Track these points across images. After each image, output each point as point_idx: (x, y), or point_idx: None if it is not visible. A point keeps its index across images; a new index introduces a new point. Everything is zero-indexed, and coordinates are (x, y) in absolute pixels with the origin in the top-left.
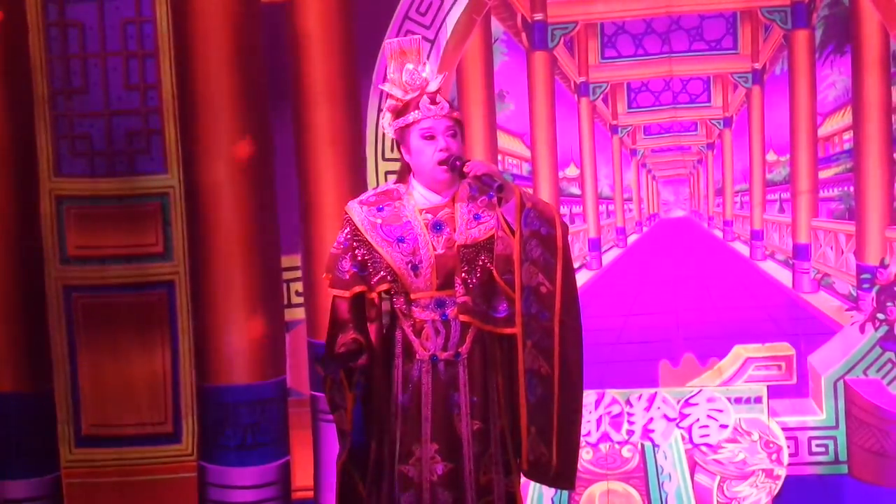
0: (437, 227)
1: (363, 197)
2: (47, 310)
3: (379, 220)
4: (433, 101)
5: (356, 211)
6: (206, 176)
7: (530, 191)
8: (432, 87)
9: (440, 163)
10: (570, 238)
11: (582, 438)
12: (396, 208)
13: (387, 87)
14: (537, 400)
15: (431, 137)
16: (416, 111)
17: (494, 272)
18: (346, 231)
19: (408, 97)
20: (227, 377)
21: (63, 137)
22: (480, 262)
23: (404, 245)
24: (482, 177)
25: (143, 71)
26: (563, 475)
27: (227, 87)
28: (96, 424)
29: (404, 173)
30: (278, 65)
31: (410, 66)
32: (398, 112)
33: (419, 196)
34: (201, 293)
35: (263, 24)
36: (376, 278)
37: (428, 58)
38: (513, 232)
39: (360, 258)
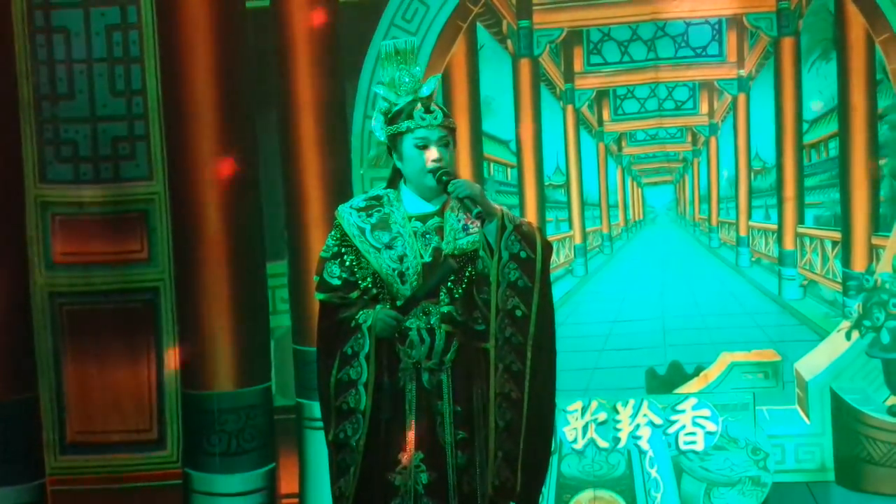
0: (425, 235)
1: (353, 201)
2: (32, 316)
3: (368, 226)
4: (427, 110)
5: (346, 216)
6: (191, 182)
7: (514, 200)
8: (425, 90)
9: (430, 172)
10: (554, 245)
11: (568, 445)
12: (386, 214)
13: (379, 90)
14: (506, 424)
15: (424, 147)
16: (410, 119)
17: (473, 288)
18: (335, 235)
19: (401, 100)
20: (212, 384)
21: (48, 144)
22: (467, 273)
23: (392, 252)
24: (464, 199)
25: (128, 77)
26: (525, 496)
27: (213, 94)
28: (81, 431)
29: (394, 179)
30: (264, 71)
31: (404, 69)
32: (390, 117)
33: (409, 203)
34: (186, 299)
35: (249, 30)
36: (363, 284)
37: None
38: (492, 252)
39: (347, 263)
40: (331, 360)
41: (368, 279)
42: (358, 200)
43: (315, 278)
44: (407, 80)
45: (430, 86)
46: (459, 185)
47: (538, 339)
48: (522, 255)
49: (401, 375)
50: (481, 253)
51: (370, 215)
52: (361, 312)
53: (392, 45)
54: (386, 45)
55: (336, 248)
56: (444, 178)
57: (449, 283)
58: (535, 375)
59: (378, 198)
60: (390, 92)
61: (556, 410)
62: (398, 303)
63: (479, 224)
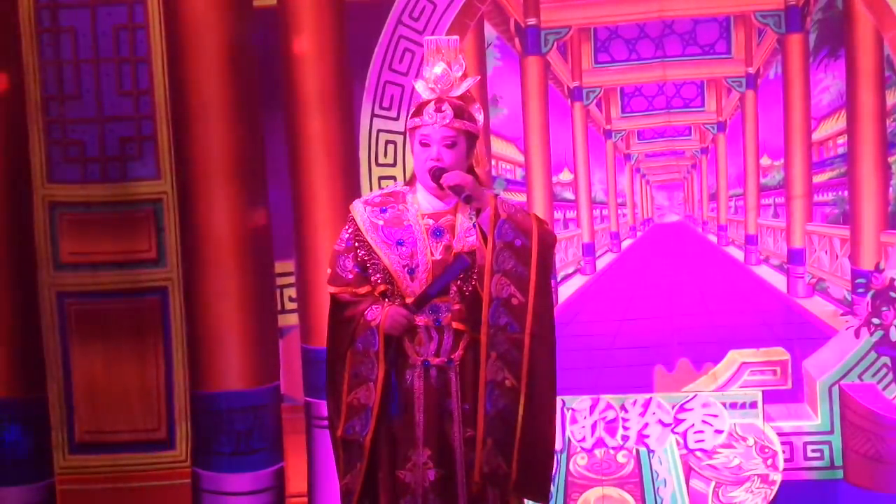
0: (437, 232)
1: (368, 197)
2: (40, 316)
3: (381, 222)
4: (438, 109)
5: (360, 211)
6: (198, 182)
7: (522, 198)
8: (455, 91)
9: (427, 171)
10: (563, 244)
11: (576, 444)
12: (400, 211)
13: (417, 84)
14: (497, 412)
15: (427, 145)
16: (419, 116)
17: (476, 282)
18: (349, 230)
19: (432, 97)
20: (221, 383)
21: (56, 143)
22: (476, 271)
23: (403, 248)
24: (453, 187)
25: (135, 77)
26: (527, 487)
27: (220, 93)
28: (90, 431)
29: (414, 176)
30: (271, 70)
31: (441, 67)
32: (412, 113)
33: (423, 200)
34: (194, 299)
35: (256, 29)
36: (373, 279)
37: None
38: (486, 241)
39: (360, 258)
40: (339, 357)
41: (378, 275)
42: (373, 196)
43: (328, 270)
44: (442, 78)
45: (464, 87)
46: (449, 175)
47: (536, 328)
48: (517, 243)
49: (409, 373)
50: (477, 244)
51: (384, 211)
52: (369, 310)
53: (434, 42)
54: (429, 41)
55: (349, 242)
56: (437, 173)
57: (458, 281)
58: (533, 363)
59: (394, 194)
60: (424, 88)
61: (556, 401)
62: (407, 300)
63: (473, 214)
